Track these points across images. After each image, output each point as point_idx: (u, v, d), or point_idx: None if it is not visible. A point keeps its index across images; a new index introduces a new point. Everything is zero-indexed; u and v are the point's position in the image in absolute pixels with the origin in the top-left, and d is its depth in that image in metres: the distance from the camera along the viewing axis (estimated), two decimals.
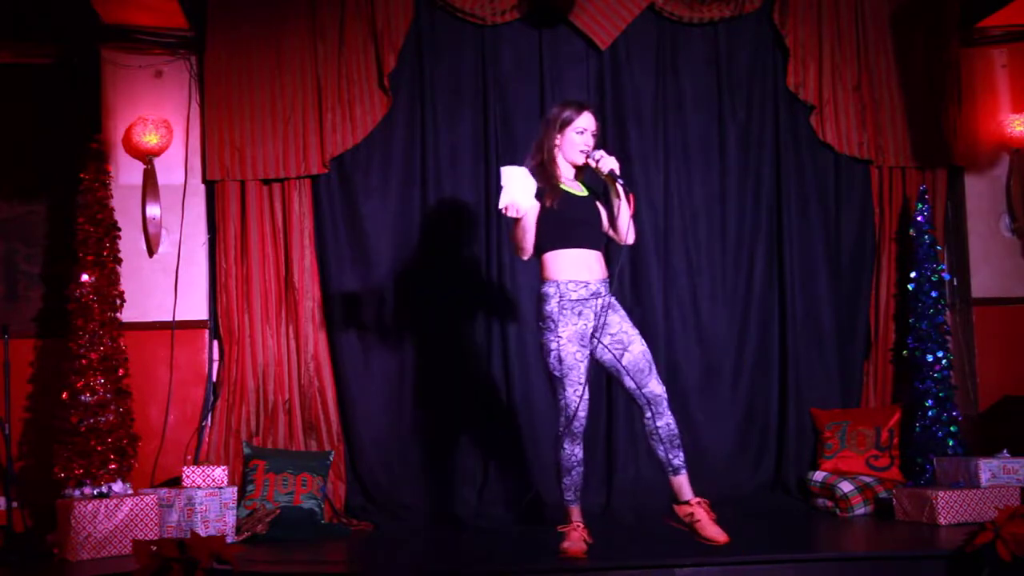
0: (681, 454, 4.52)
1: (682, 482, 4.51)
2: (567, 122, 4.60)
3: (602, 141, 6.21)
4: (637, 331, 4.60)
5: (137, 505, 5.06)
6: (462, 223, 6.22)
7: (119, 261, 5.63)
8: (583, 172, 4.68)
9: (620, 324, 4.56)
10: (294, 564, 4.80)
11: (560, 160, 4.64)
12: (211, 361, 6.10)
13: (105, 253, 5.54)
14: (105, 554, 4.94)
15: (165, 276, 6.07)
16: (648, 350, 4.58)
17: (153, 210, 6.03)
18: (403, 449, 6.08)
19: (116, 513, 5.00)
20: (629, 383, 4.55)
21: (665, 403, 4.53)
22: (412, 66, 6.23)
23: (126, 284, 5.68)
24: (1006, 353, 6.40)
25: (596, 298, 4.53)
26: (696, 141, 6.40)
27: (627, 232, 4.59)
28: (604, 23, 6.22)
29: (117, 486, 5.25)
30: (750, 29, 6.43)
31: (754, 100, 6.43)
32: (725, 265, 6.36)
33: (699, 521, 4.45)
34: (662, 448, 4.52)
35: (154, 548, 4.21)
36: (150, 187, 6.01)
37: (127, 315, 5.65)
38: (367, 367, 6.12)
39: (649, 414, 4.53)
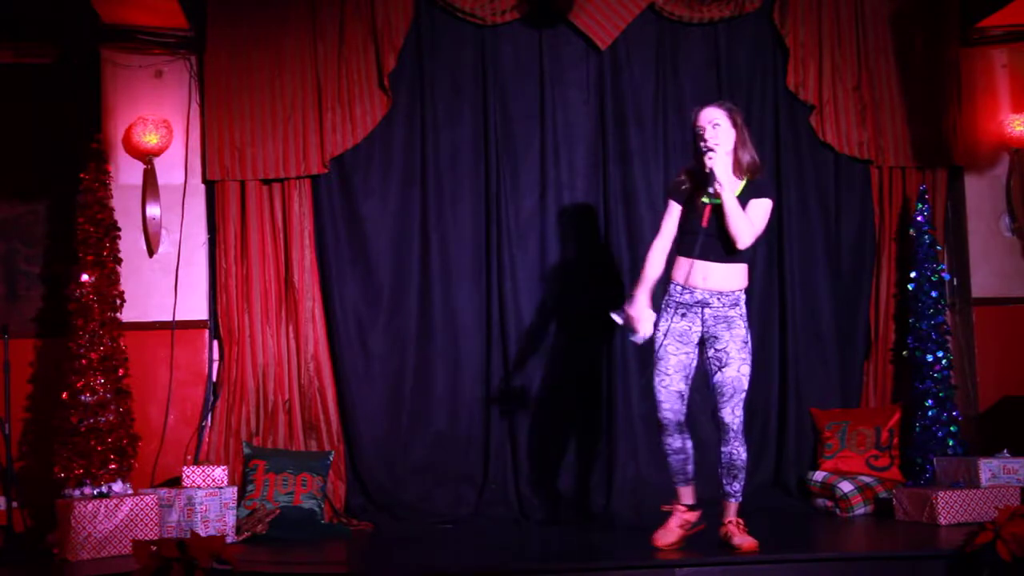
0: (736, 484, 4.67)
1: (726, 506, 4.69)
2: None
3: (602, 141, 6.28)
4: (744, 356, 4.64)
5: (137, 505, 5.06)
6: (462, 222, 6.22)
7: (119, 261, 5.63)
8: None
9: (727, 343, 4.63)
10: (294, 564, 4.80)
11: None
12: (211, 361, 6.09)
13: (105, 253, 5.53)
14: (105, 554, 4.94)
15: (165, 276, 6.07)
16: (743, 378, 4.64)
17: (153, 210, 6.02)
18: (403, 449, 6.08)
19: (116, 513, 5.00)
20: (713, 401, 4.69)
21: (732, 432, 4.64)
22: (412, 66, 6.22)
23: (126, 284, 5.67)
24: (1006, 353, 6.39)
25: (703, 307, 4.62)
26: None
27: (736, 234, 4.56)
28: (604, 23, 6.22)
29: (117, 486, 5.25)
30: (750, 29, 6.42)
31: (754, 100, 6.42)
32: None
33: (732, 536, 4.61)
34: (720, 471, 4.68)
35: (154, 548, 4.21)
36: (150, 187, 6.01)
37: (127, 315, 5.65)
38: (367, 367, 6.11)
39: (722, 438, 4.68)
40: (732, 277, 4.65)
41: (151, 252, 6.06)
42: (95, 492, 5.20)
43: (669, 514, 4.75)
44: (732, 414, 4.62)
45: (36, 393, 6.01)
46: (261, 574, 4.48)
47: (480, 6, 6.18)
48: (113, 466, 5.29)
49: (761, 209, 4.65)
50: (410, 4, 6.16)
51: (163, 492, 5.30)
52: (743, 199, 4.62)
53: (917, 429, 5.95)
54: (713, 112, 4.66)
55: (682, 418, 4.75)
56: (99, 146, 5.66)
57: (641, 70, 6.35)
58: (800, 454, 6.20)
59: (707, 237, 4.58)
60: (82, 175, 5.58)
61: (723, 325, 4.63)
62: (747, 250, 4.65)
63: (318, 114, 6.07)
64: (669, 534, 4.70)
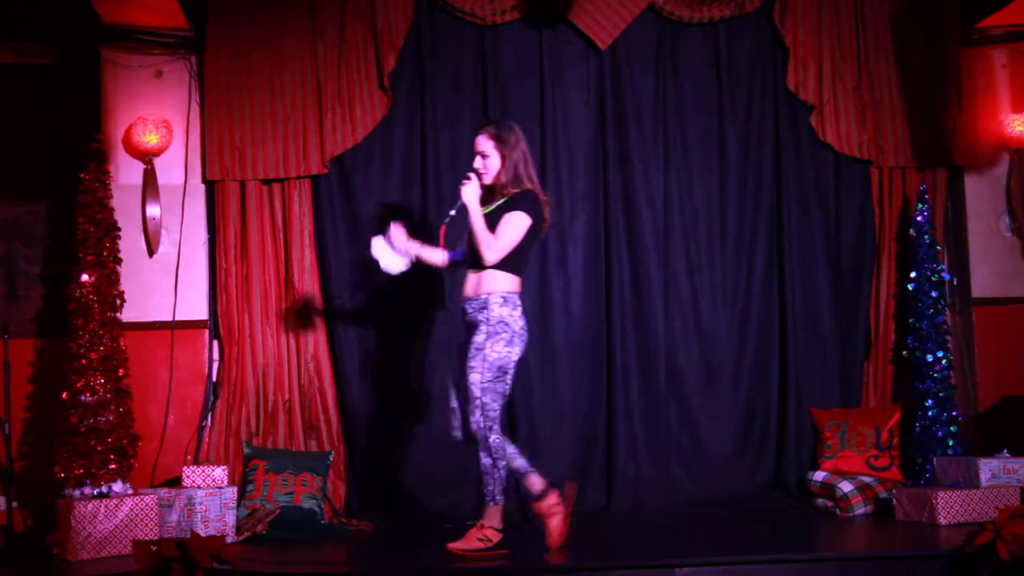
0: (487, 488, 4.65)
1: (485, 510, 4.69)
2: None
3: (602, 141, 6.28)
4: (473, 365, 4.65)
5: (137, 505, 5.06)
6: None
7: (119, 261, 5.63)
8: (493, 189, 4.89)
9: (470, 349, 4.69)
10: (294, 564, 4.80)
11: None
12: (211, 361, 6.10)
13: (105, 253, 5.53)
14: (105, 554, 4.94)
15: (165, 276, 6.07)
16: (472, 386, 4.63)
17: (153, 210, 6.02)
18: (403, 449, 6.08)
19: (116, 513, 5.00)
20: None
21: (480, 442, 4.63)
22: (412, 66, 6.23)
23: (126, 284, 5.67)
24: (1006, 353, 6.40)
25: (464, 315, 4.79)
26: (696, 141, 6.40)
27: (479, 249, 4.70)
28: (604, 23, 6.22)
29: (117, 486, 5.25)
30: (750, 29, 6.43)
31: (754, 100, 6.43)
32: (725, 265, 6.36)
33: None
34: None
35: (154, 548, 4.21)
36: (150, 187, 6.02)
37: (127, 315, 5.65)
38: (367, 367, 6.11)
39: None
40: (481, 282, 4.74)
41: (151, 252, 6.06)
42: (95, 492, 5.20)
43: (543, 519, 4.77)
44: (475, 422, 4.62)
45: (36, 393, 6.01)
46: (261, 574, 4.48)
47: (480, 6, 6.18)
48: (113, 466, 5.29)
49: (505, 223, 4.70)
50: (410, 4, 6.16)
51: (163, 492, 5.30)
52: (498, 214, 4.73)
53: (917, 429, 5.95)
54: (479, 141, 4.83)
55: (493, 424, 4.66)
56: (99, 146, 5.66)
57: (641, 70, 6.35)
58: (800, 454, 6.20)
59: (469, 251, 4.82)
60: (82, 175, 5.58)
61: (474, 331, 4.69)
62: (504, 257, 4.69)
63: (318, 114, 6.07)
64: (554, 529, 4.72)
